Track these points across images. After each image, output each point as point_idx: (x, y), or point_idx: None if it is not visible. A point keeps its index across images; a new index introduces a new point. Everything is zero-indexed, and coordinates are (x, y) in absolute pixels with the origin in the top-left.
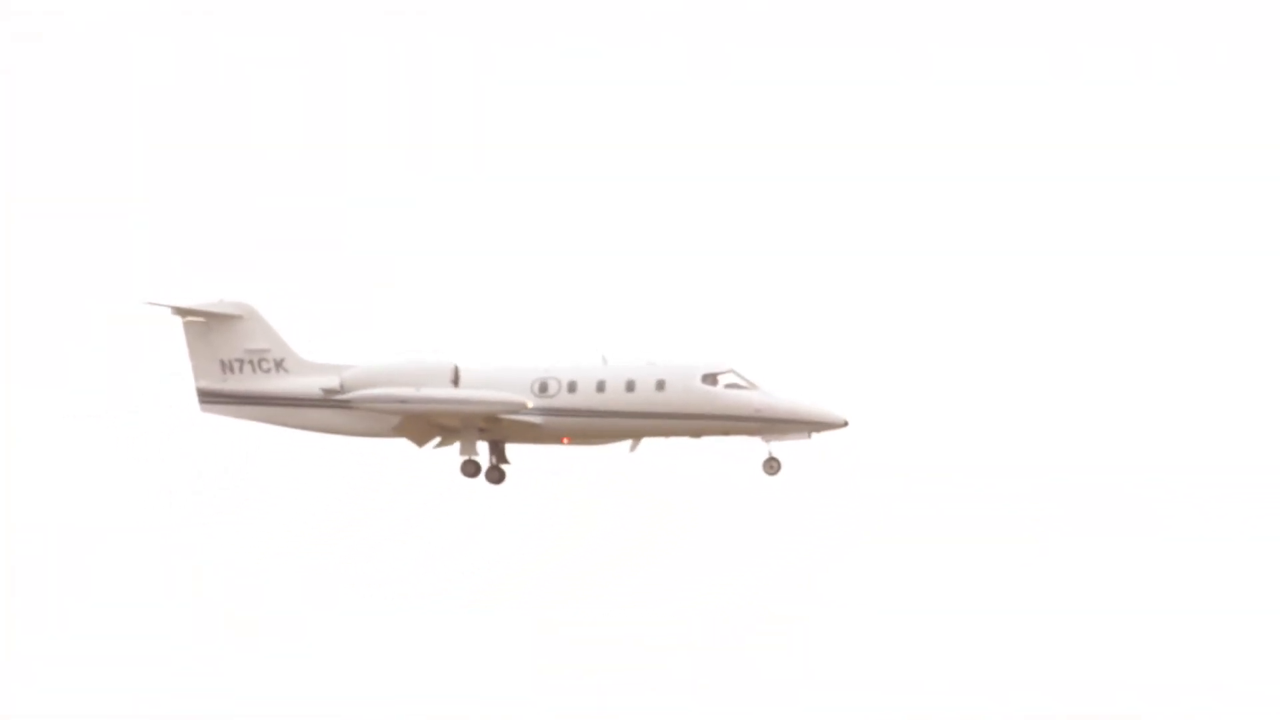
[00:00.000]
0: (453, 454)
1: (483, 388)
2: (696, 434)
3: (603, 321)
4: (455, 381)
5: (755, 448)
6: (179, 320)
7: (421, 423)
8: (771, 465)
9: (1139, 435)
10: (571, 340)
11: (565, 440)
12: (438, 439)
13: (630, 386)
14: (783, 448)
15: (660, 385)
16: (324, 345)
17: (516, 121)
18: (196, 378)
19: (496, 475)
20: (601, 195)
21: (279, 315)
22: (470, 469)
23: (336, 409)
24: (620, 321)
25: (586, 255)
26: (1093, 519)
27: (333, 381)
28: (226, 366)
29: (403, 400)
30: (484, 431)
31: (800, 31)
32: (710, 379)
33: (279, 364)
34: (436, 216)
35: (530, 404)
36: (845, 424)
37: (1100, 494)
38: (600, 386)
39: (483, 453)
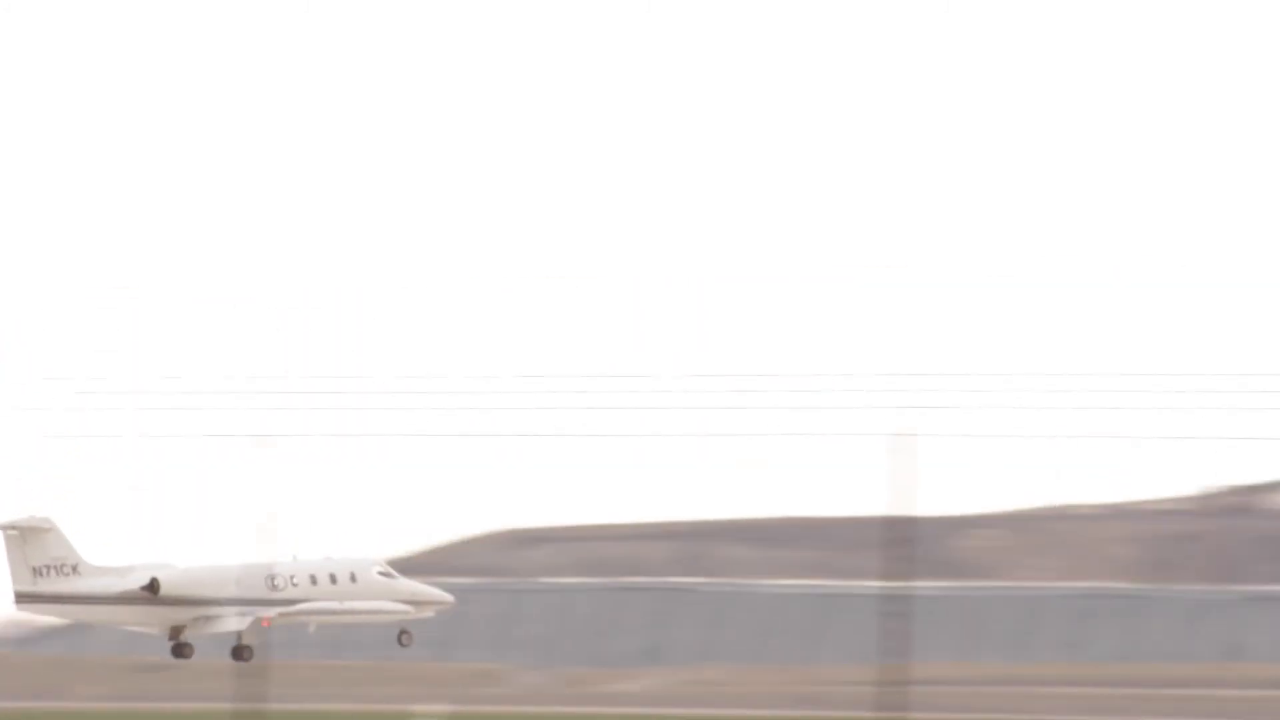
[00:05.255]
0: None
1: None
2: None
3: None
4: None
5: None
6: None
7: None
8: (407, 637)
9: None
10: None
11: (265, 622)
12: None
13: (333, 579)
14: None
15: (352, 577)
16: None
17: None
18: (14, 582)
19: (190, 650)
20: None
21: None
22: (247, 654)
23: (133, 605)
24: None
25: None
26: None
27: (137, 582)
28: (37, 572)
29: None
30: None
31: None
32: (378, 570)
33: (74, 568)
34: None
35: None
36: (451, 601)
37: None
38: (313, 580)
39: None
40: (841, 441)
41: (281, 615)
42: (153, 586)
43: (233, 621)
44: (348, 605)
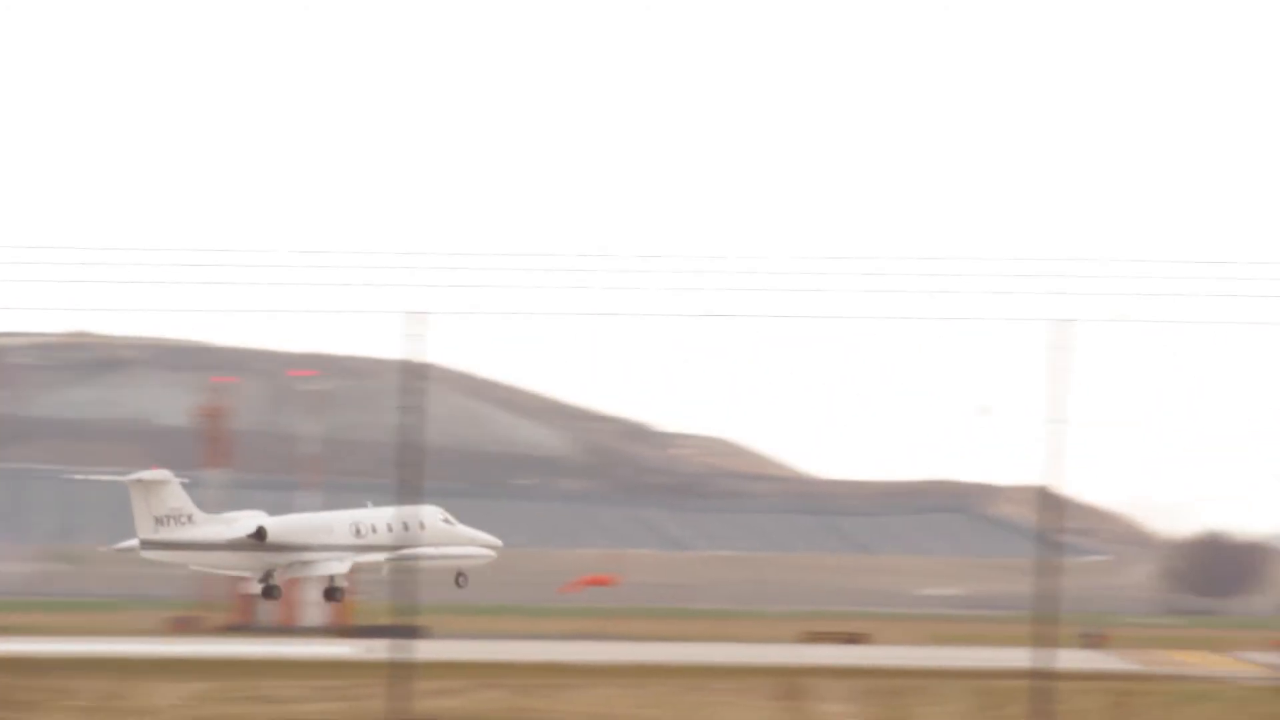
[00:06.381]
0: None
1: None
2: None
3: None
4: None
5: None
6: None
7: None
8: (463, 579)
9: None
10: None
11: None
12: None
13: (405, 527)
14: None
15: (421, 525)
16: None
17: None
18: (140, 530)
19: (278, 592)
20: None
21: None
22: (339, 595)
23: (241, 551)
24: None
25: None
26: None
27: (244, 530)
28: (159, 521)
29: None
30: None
31: None
32: (441, 518)
33: (190, 518)
34: None
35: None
36: (501, 545)
37: None
38: (389, 528)
39: None
40: None
41: (389, 560)
42: (260, 534)
43: (330, 565)
44: (442, 550)
